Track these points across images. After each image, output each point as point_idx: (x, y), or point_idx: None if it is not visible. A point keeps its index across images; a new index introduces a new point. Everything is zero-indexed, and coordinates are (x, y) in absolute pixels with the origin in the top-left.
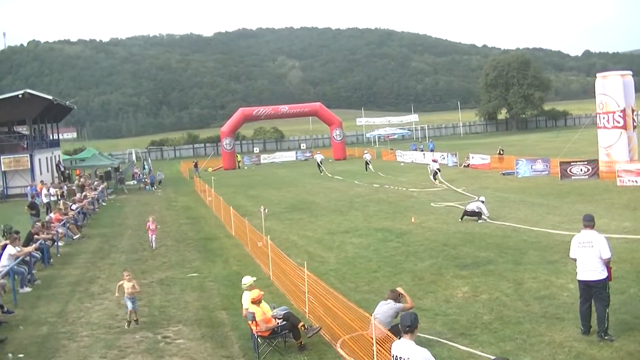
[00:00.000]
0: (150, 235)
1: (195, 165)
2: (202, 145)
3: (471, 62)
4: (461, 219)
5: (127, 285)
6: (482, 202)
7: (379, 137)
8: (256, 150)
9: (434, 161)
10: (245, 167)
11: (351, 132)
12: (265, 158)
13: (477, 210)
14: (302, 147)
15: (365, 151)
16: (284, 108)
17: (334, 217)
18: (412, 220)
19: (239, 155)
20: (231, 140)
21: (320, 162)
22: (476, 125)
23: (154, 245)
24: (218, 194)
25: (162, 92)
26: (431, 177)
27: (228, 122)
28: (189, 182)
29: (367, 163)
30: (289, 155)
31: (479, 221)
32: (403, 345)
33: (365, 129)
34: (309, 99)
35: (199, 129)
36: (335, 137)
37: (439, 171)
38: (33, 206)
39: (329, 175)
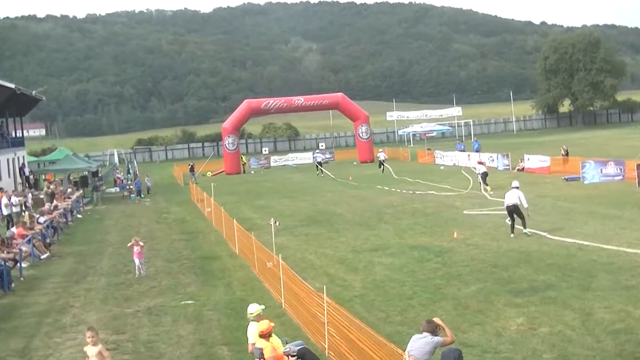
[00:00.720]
0: (136, 260)
1: (192, 169)
2: (200, 144)
3: (526, 43)
4: (512, 229)
5: (91, 352)
6: (517, 187)
7: (413, 135)
8: (265, 150)
9: (480, 163)
10: (252, 172)
11: (380, 129)
12: (276, 160)
13: (519, 202)
14: (320, 147)
15: (380, 150)
16: (299, 100)
17: (359, 231)
18: (455, 235)
19: (244, 157)
20: (235, 138)
21: (320, 163)
22: (532, 120)
23: (142, 271)
24: (219, 203)
25: (150, 80)
26: (480, 181)
27: (231, 117)
28: (184, 190)
29: (381, 163)
30: (305, 157)
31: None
32: None
33: (397, 124)
34: (329, 88)
35: (196, 125)
36: (360, 135)
37: (486, 175)
38: None
39: (332, 176)
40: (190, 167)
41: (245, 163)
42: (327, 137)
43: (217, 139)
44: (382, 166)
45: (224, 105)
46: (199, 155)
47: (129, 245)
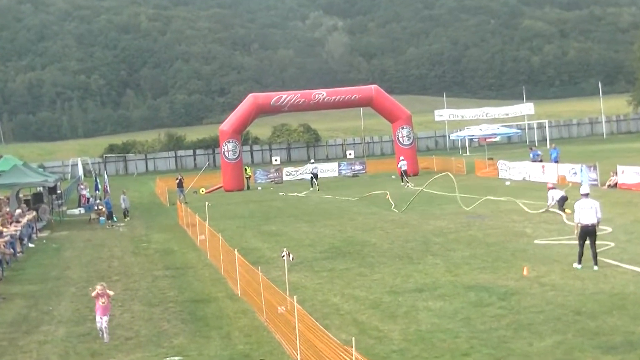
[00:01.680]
0: (98, 319)
1: (180, 184)
2: (190, 152)
3: (621, 17)
4: (580, 259)
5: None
6: (587, 194)
7: (470, 140)
8: (276, 160)
9: (553, 189)
10: (259, 188)
11: (426, 133)
12: (289, 173)
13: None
14: (348, 156)
15: (402, 158)
16: (320, 94)
17: (399, 266)
18: (525, 272)
19: (248, 169)
20: (236, 144)
21: (315, 176)
22: (629, 120)
23: (105, 335)
24: (215, 229)
25: (126, 67)
26: (549, 204)
27: (231, 117)
28: (169, 211)
29: (403, 174)
30: (329, 169)
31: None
32: None
33: (449, 127)
34: (359, 79)
35: (185, 127)
36: (401, 140)
37: (565, 200)
38: None
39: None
40: (177, 181)
41: (249, 176)
42: (357, 142)
43: (212, 144)
44: (403, 177)
45: (221, 101)
46: (189, 166)
47: (92, 294)
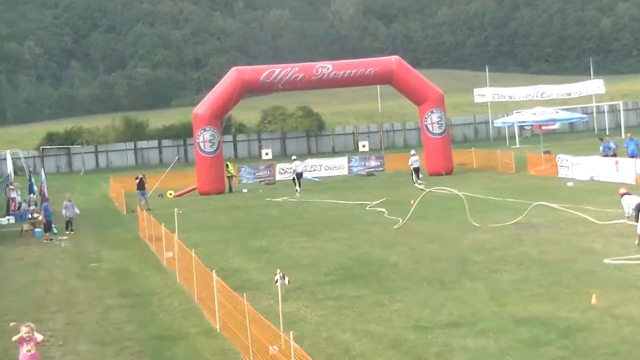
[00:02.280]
0: None
1: (141, 185)
2: (155, 143)
3: None
4: None
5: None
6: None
7: (521, 128)
8: (267, 154)
9: (626, 195)
10: (245, 190)
11: (463, 118)
12: (284, 170)
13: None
14: (362, 149)
15: (412, 152)
16: (325, 68)
17: (427, 293)
18: (593, 300)
19: (230, 165)
20: (215, 133)
21: (300, 175)
22: None
23: None
24: (188, 244)
25: (70, 32)
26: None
27: (209, 97)
28: (127, 220)
29: (414, 171)
30: (336, 165)
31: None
32: None
33: (493, 110)
34: (375, 49)
35: (148, 111)
36: (430, 128)
37: None
38: None
39: (377, 209)
40: (138, 181)
41: (232, 175)
42: (373, 131)
43: (184, 133)
44: (414, 175)
45: (196, 76)
46: (153, 162)
47: (14, 338)
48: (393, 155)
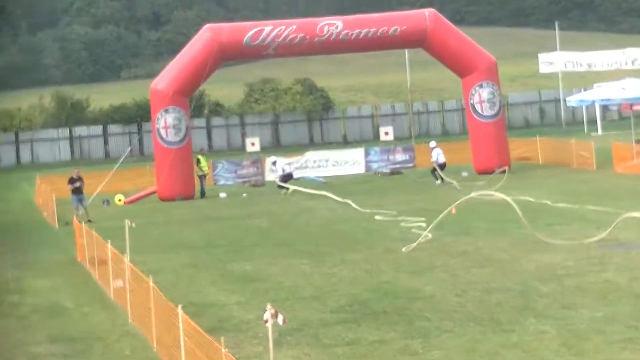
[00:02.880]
0: None
1: (77, 187)
2: (98, 129)
3: None
4: None
5: None
6: None
7: (604, 108)
8: (253, 144)
9: None
10: (223, 194)
11: (524, 95)
12: (276, 167)
13: None
14: (384, 137)
15: (433, 144)
16: (333, 25)
17: (475, 336)
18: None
19: (202, 160)
20: (182, 115)
21: (289, 177)
22: None
23: None
24: (144, 270)
25: None
26: None
27: (173, 66)
28: (60, 237)
29: (437, 167)
30: (349, 159)
31: None
32: None
33: (566, 84)
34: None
35: (89, 85)
36: (478, 107)
37: None
38: None
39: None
40: (72, 182)
41: (205, 174)
42: (399, 113)
43: (138, 116)
44: (436, 172)
45: (155, 37)
46: (95, 156)
47: None
48: (425, 146)
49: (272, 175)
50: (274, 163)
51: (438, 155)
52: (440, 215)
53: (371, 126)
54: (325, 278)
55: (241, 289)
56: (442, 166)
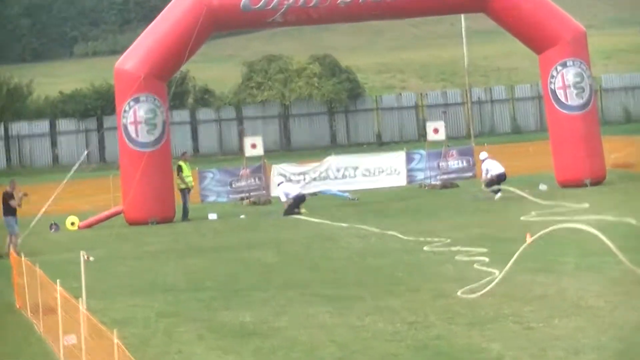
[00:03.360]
0: None
1: (9, 207)
2: (43, 126)
3: None
4: None
5: None
6: None
7: None
8: (254, 148)
9: None
10: (212, 215)
11: (625, 76)
12: (288, 177)
13: None
14: (433, 135)
15: (484, 155)
16: None
17: None
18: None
19: (185, 168)
20: (157, 105)
21: (299, 201)
22: None
23: None
24: (106, 321)
25: None
26: None
27: (145, 38)
28: None
29: (497, 180)
30: (384, 167)
31: None
32: None
33: None
34: None
35: (31, 64)
36: (561, 94)
37: None
38: None
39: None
40: (9, 197)
41: (189, 187)
42: (453, 102)
43: (97, 107)
44: (492, 184)
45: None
46: (38, 162)
47: None
48: (493, 147)
49: (280, 192)
50: (280, 184)
51: (488, 170)
52: (518, 251)
53: (415, 121)
54: (354, 332)
55: (238, 347)
56: (501, 178)
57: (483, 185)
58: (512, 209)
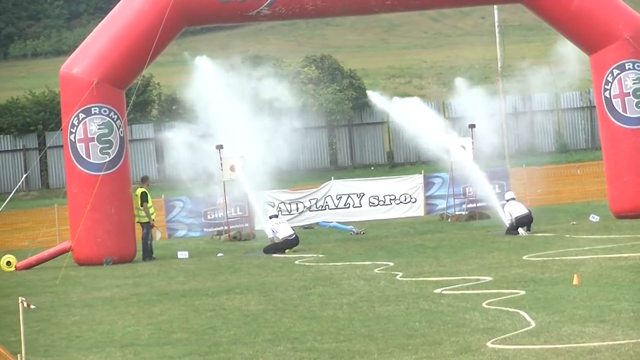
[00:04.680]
0: None
1: None
2: None
3: None
4: None
5: None
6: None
7: None
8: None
9: None
10: (182, 254)
11: None
12: (276, 210)
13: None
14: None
15: (510, 195)
16: None
17: None
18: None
19: (147, 195)
20: (113, 118)
21: (289, 245)
22: None
23: None
24: None
25: None
26: None
27: (98, 34)
28: None
29: (521, 225)
30: (396, 194)
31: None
32: None
33: None
34: None
35: None
36: (618, 104)
37: None
38: None
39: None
40: None
41: (145, 220)
42: (484, 114)
43: (38, 121)
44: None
45: None
46: None
47: None
48: (533, 170)
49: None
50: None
51: (510, 212)
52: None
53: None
54: None
55: None
56: (525, 221)
57: (506, 232)
58: (554, 244)
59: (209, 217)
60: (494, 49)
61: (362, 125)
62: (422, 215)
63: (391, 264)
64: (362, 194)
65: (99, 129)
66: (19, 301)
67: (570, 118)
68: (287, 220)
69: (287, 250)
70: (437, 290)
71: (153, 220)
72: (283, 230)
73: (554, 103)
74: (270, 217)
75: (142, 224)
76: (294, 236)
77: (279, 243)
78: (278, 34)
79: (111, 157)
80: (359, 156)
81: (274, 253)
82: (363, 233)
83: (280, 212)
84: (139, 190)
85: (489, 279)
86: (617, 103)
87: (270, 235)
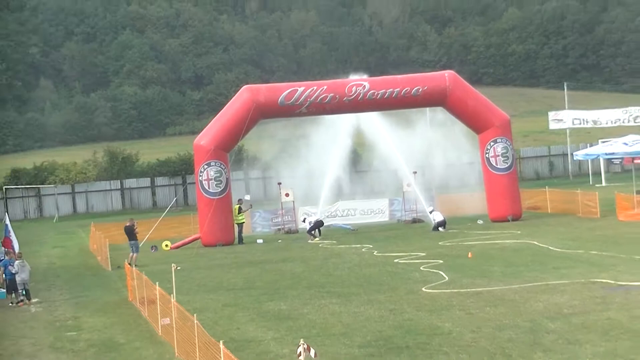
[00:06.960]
0: None
1: (131, 234)
2: (146, 181)
3: None
4: None
5: None
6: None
7: (608, 162)
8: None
9: None
10: (259, 241)
11: (535, 149)
12: (306, 216)
13: None
14: (406, 188)
15: (431, 208)
16: (361, 85)
17: None
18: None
19: (239, 209)
20: (222, 169)
21: (318, 225)
22: None
23: None
24: (189, 309)
25: (36, 39)
26: None
27: (215, 123)
28: (112, 279)
29: (436, 226)
30: (375, 208)
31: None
32: None
33: (573, 139)
34: (424, 62)
35: (138, 141)
36: (492, 161)
37: None
38: None
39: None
40: (128, 229)
41: (241, 221)
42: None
43: (183, 170)
44: (438, 227)
45: (197, 97)
46: (144, 205)
47: None
48: (446, 197)
49: (305, 222)
50: (303, 220)
51: (434, 218)
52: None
53: (394, 178)
54: (353, 316)
55: (277, 326)
56: (442, 223)
57: (432, 229)
58: (459, 236)
59: (273, 220)
60: (426, 125)
61: (359, 171)
62: (388, 220)
63: (371, 246)
64: (355, 209)
65: (215, 173)
66: (172, 266)
67: (467, 169)
68: (314, 216)
69: (315, 239)
70: (396, 260)
71: (242, 221)
72: (313, 218)
73: (459, 162)
74: (304, 220)
75: (237, 224)
76: (320, 220)
77: (313, 224)
78: (311, 121)
79: (221, 189)
80: (358, 187)
81: (312, 231)
82: (356, 230)
83: (309, 215)
84: (236, 206)
85: (424, 254)
86: (493, 160)
87: (308, 227)
